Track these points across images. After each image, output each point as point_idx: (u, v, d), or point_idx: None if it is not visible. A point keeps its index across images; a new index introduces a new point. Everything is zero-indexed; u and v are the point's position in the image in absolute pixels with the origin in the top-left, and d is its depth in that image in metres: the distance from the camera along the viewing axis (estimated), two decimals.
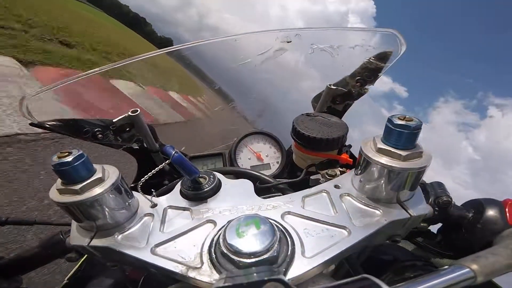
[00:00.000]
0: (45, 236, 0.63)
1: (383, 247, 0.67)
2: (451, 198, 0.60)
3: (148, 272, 0.51)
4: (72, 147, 0.47)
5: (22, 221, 0.69)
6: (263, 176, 0.73)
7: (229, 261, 0.41)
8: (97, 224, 0.50)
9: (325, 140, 0.75)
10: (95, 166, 0.50)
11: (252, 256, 0.40)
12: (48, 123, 0.79)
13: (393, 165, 0.46)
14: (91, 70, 0.86)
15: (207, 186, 0.58)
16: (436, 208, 0.59)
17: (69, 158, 0.45)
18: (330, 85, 0.99)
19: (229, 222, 0.45)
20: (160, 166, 0.56)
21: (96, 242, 0.49)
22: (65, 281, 0.65)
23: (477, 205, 0.59)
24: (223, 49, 1.10)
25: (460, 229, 0.59)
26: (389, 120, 0.47)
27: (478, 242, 0.55)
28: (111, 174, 0.51)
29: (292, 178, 0.72)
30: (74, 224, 0.52)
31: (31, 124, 0.78)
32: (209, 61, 1.19)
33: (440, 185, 0.64)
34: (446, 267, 0.39)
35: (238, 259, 0.40)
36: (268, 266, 0.38)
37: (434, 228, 0.65)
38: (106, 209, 0.49)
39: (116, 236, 0.50)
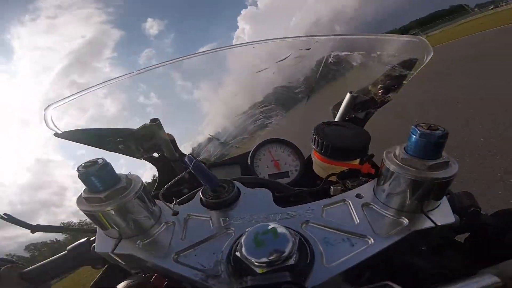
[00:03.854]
0: (73, 243, 0.65)
1: (408, 255, 0.65)
2: (479, 208, 0.58)
3: (170, 279, 0.52)
4: (98, 157, 0.49)
5: (50, 227, 0.71)
6: (281, 185, 0.73)
7: (247, 269, 0.41)
8: (121, 231, 0.51)
9: (346, 149, 0.74)
10: (119, 175, 0.52)
11: (270, 265, 0.39)
12: (72, 134, 0.81)
13: (417, 175, 0.45)
14: (112, 78, 0.89)
15: (226, 195, 0.58)
16: (464, 218, 0.58)
17: (95, 168, 0.47)
18: (351, 92, 0.98)
19: (247, 231, 0.45)
20: (180, 175, 0.58)
21: (120, 249, 0.51)
22: None
23: (507, 215, 0.57)
24: (241, 56, 1.11)
25: (489, 239, 0.57)
26: (413, 129, 0.46)
27: (507, 252, 0.53)
28: (135, 183, 0.52)
29: (311, 187, 0.71)
30: (99, 231, 0.54)
31: (56, 135, 0.81)
32: (226, 68, 1.20)
33: (467, 194, 0.62)
34: (473, 275, 0.38)
35: (257, 268, 0.40)
36: (286, 272, 0.38)
37: (461, 237, 0.63)
38: (130, 217, 0.50)
39: (139, 244, 0.51)
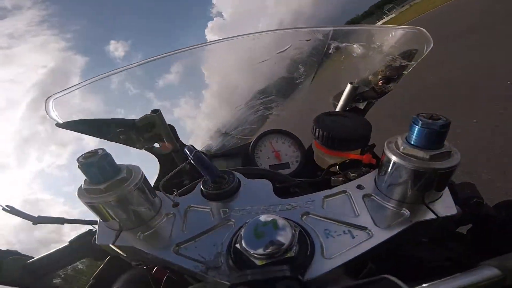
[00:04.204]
0: (75, 235, 0.65)
1: (409, 247, 0.65)
2: (482, 199, 0.58)
3: (170, 271, 0.52)
4: (98, 147, 0.49)
5: (51, 219, 0.71)
6: (282, 175, 0.72)
7: (247, 261, 0.41)
8: (122, 223, 0.51)
9: (347, 140, 0.73)
10: (120, 165, 0.51)
11: (270, 257, 0.39)
12: (73, 124, 0.81)
13: (419, 165, 0.44)
14: (114, 69, 0.89)
15: (226, 186, 0.58)
16: (466, 209, 0.57)
17: (95, 158, 0.47)
18: (352, 83, 0.97)
19: (247, 222, 0.45)
20: (180, 166, 0.57)
21: (120, 241, 0.51)
22: (91, 281, 0.67)
23: (510, 206, 0.57)
24: (241, 48, 1.10)
25: (491, 230, 0.57)
26: (414, 119, 0.45)
27: (509, 244, 0.53)
28: (135, 173, 0.52)
29: (312, 178, 0.70)
30: (100, 223, 0.54)
31: (57, 125, 0.81)
32: (227, 60, 1.19)
33: (470, 185, 0.61)
34: (474, 267, 0.37)
35: (256, 260, 0.40)
36: (285, 265, 0.38)
37: (463, 229, 0.63)
38: (130, 208, 0.50)
39: (139, 236, 0.51)
